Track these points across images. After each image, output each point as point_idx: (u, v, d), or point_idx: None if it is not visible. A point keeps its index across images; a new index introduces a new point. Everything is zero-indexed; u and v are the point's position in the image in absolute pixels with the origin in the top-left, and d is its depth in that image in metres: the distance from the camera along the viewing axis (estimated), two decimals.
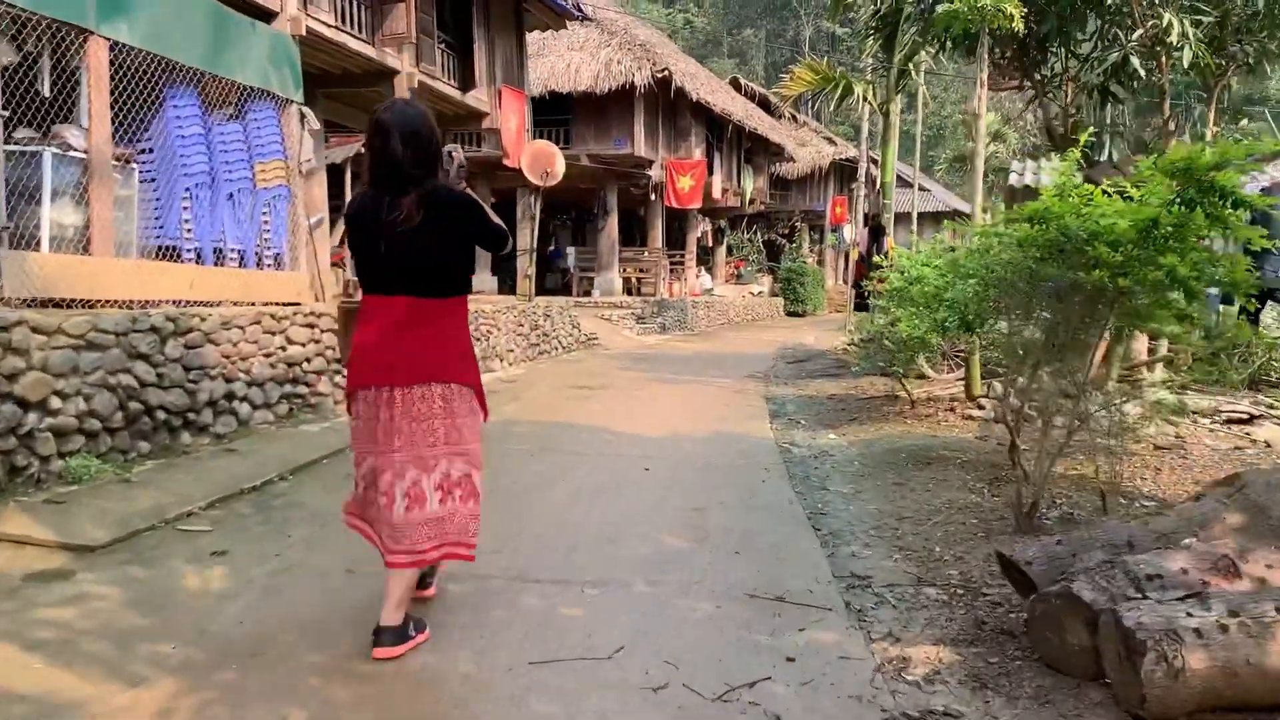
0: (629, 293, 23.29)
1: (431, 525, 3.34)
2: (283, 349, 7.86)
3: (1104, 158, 10.83)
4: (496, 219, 3.52)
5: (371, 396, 3.31)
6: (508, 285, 25.55)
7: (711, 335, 20.66)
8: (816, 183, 35.12)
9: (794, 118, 36.27)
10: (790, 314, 30.13)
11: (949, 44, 10.82)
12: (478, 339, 11.58)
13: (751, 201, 29.17)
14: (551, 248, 29.92)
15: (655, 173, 22.07)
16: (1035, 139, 63.08)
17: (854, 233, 39.07)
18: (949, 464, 6.66)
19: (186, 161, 7.86)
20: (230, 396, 7.19)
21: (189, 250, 7.86)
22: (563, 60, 20.78)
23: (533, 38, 20.67)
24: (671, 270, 24.45)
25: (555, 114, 21.02)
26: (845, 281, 42.04)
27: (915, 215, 25.31)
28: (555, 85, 20.38)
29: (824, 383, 11.62)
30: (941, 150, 65.83)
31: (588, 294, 22.49)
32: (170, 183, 7.76)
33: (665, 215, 23.85)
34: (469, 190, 3.52)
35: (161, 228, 7.72)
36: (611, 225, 22.20)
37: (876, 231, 13.17)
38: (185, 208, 7.86)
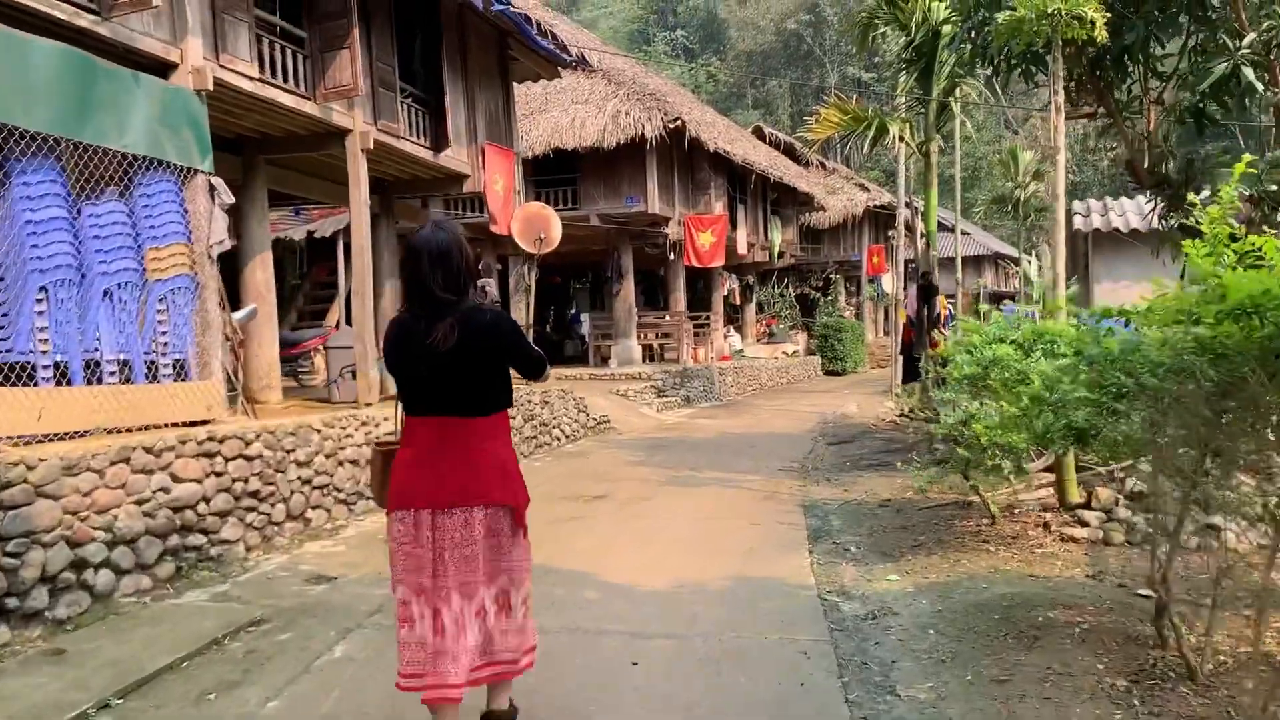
0: (650, 360, 21.44)
1: (476, 649, 3.34)
2: (164, 491, 6.02)
3: (1204, 196, 8.82)
4: (536, 349, 3.53)
5: (411, 519, 3.29)
6: None
7: (741, 406, 18.67)
8: (850, 231, 33.25)
9: (822, 165, 34.57)
10: (829, 373, 28.11)
11: (1007, 65, 8.95)
12: None
13: (781, 255, 27.32)
14: (572, 311, 28.23)
15: (673, 230, 20.31)
16: (1077, 176, 61.16)
17: (894, 284, 37.15)
18: (1065, 635, 4.63)
19: (40, 254, 6.12)
20: (80, 565, 5.35)
21: (46, 367, 6.10)
22: (567, 115, 19.20)
23: (534, 92, 19.13)
24: (696, 333, 22.55)
25: (561, 173, 19.40)
26: (886, 334, 40.00)
27: (959, 260, 23.25)
28: (560, 142, 18.77)
29: (874, 478, 9.60)
30: (978, 192, 63.91)
31: (605, 362, 20.66)
32: (19, 282, 6.02)
33: (687, 274, 22.04)
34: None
35: (4, 340, 5.97)
36: (627, 289, 20.42)
37: (927, 291, 11.24)
38: (40, 312, 6.12)
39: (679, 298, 22.55)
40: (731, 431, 14.11)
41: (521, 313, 12.89)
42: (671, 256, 21.10)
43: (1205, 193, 8.96)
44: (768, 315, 30.28)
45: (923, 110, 15.18)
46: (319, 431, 7.54)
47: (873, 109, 15.50)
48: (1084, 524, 6.59)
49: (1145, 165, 8.94)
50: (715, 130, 20.98)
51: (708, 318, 23.88)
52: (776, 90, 69.98)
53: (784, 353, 26.49)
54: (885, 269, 34.43)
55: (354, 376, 10.02)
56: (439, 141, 10.94)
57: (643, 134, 18.24)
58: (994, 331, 6.93)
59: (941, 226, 47.96)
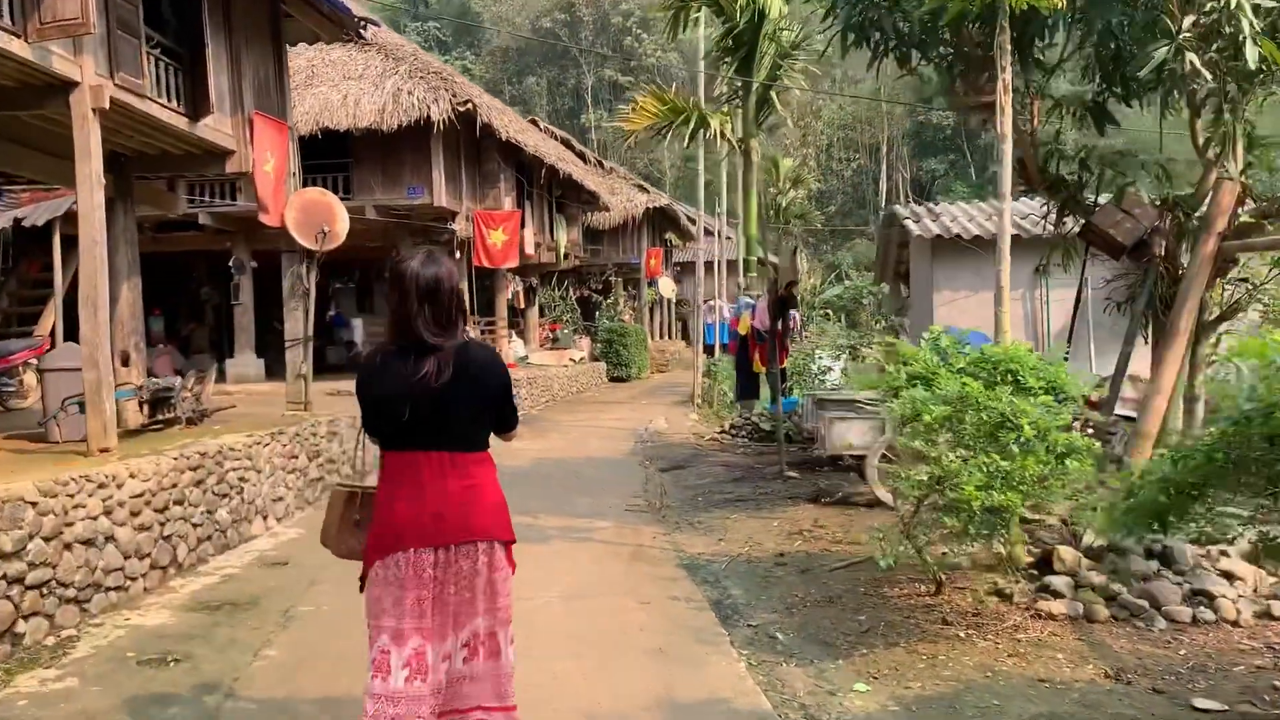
0: None
1: (464, 684, 3.22)
2: None
3: (1096, 199, 8.08)
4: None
5: (406, 559, 3.09)
6: (280, 370, 21.03)
7: (544, 423, 16.98)
8: (630, 233, 32.28)
9: (600, 163, 33.45)
10: (614, 379, 26.91)
11: (893, 44, 7.85)
12: (223, 494, 7.51)
13: (566, 256, 25.83)
14: (332, 313, 25.43)
15: (461, 226, 18.31)
16: (822, 183, 63.16)
17: (672, 287, 36.61)
18: None
19: None
20: None
21: None
22: (337, 91, 16.79)
23: (298, 65, 16.59)
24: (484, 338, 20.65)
25: (332, 157, 16.95)
26: (664, 337, 39.45)
27: (724, 264, 22.60)
28: (331, 121, 16.36)
29: (743, 519, 8.24)
30: (735, 197, 65.32)
31: None
32: None
33: (470, 276, 20.09)
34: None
35: None
36: None
37: (785, 303, 10.04)
38: None
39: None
40: (547, 458, 12.42)
41: (298, 322, 10.62)
42: (458, 255, 19.08)
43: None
44: (549, 319, 28.73)
45: (741, 104, 14.15)
46: (34, 505, 5.25)
47: (693, 100, 14.30)
48: (1054, 593, 5.47)
49: (1044, 167, 8.08)
50: (506, 117, 19.17)
51: (492, 323, 21.98)
52: (535, 88, 68.64)
53: (571, 359, 24.98)
54: (662, 272, 33.82)
55: (82, 410, 7.57)
56: (198, 106, 8.58)
57: (428, 116, 16.16)
58: (929, 359, 5.73)
59: (706, 232, 48.33)
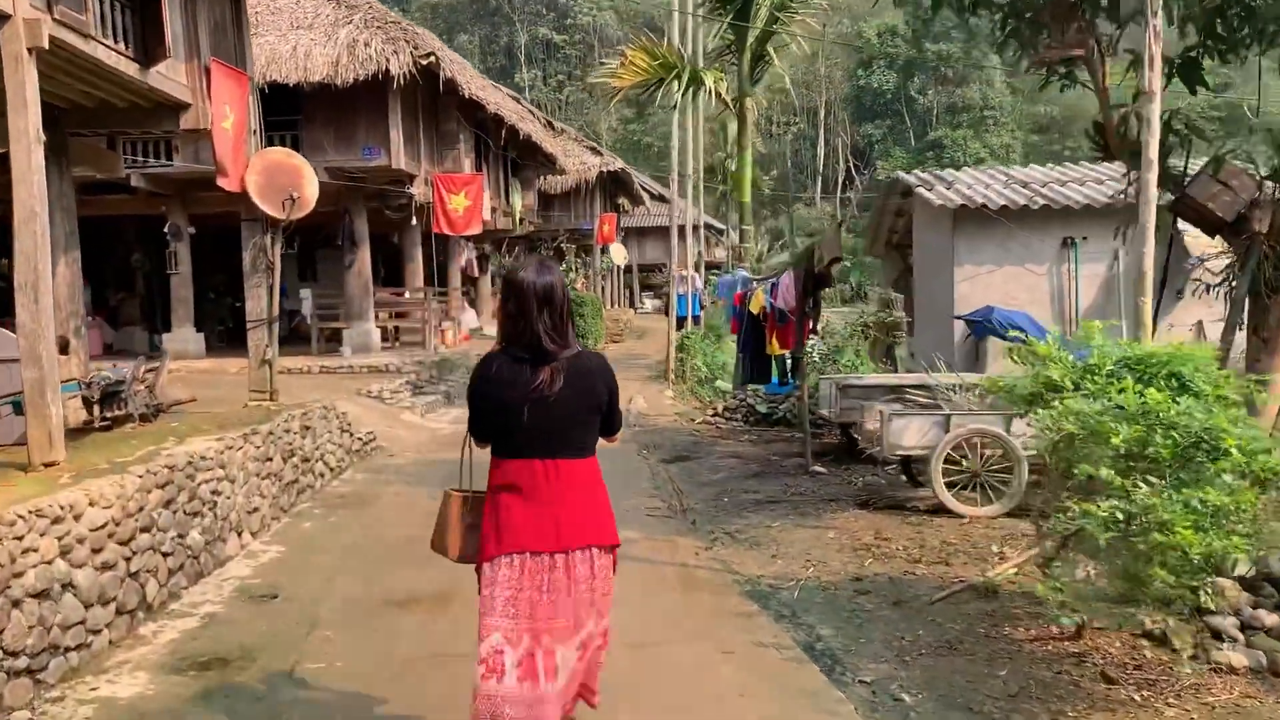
0: (388, 344, 18.06)
1: (574, 679, 3.29)
2: None
3: (1186, 168, 7.24)
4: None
5: (523, 562, 3.18)
6: (222, 345, 19.51)
7: None
8: (583, 198, 31.07)
9: (551, 124, 32.05)
10: None
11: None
12: (195, 512, 6.34)
13: (521, 221, 24.55)
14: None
15: (419, 190, 16.99)
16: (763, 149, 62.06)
17: (623, 254, 35.40)
18: None
19: None
20: None
21: None
22: (286, 42, 15.31)
23: None
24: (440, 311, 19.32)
25: (279, 114, 15.46)
26: (616, 304, 38.33)
27: (690, 228, 21.51)
28: (279, 74, 14.90)
29: (790, 528, 7.31)
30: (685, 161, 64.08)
31: (334, 350, 17.05)
32: None
33: (430, 244, 18.78)
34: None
35: None
36: (363, 260, 16.92)
37: (820, 281, 8.95)
38: None
39: (416, 269, 19.22)
40: None
41: (260, 300, 9.35)
42: (414, 221, 17.76)
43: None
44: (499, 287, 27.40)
45: (735, 61, 13.10)
46: None
47: (687, 56, 13.19)
48: (1218, 634, 4.65)
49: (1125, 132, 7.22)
50: (468, 73, 17.80)
51: (444, 293, 20.68)
52: (467, 46, 66.47)
53: None
54: (614, 238, 32.69)
55: (19, 411, 6.34)
56: (150, 50, 7.25)
57: (387, 70, 14.78)
58: (1065, 362, 4.83)
59: (660, 198, 47.21)
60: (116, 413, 7.56)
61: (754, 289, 11.19)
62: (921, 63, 64.63)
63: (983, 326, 9.33)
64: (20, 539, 4.40)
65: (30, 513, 4.53)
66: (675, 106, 13.80)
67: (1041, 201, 10.72)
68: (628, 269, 43.67)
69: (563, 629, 3.20)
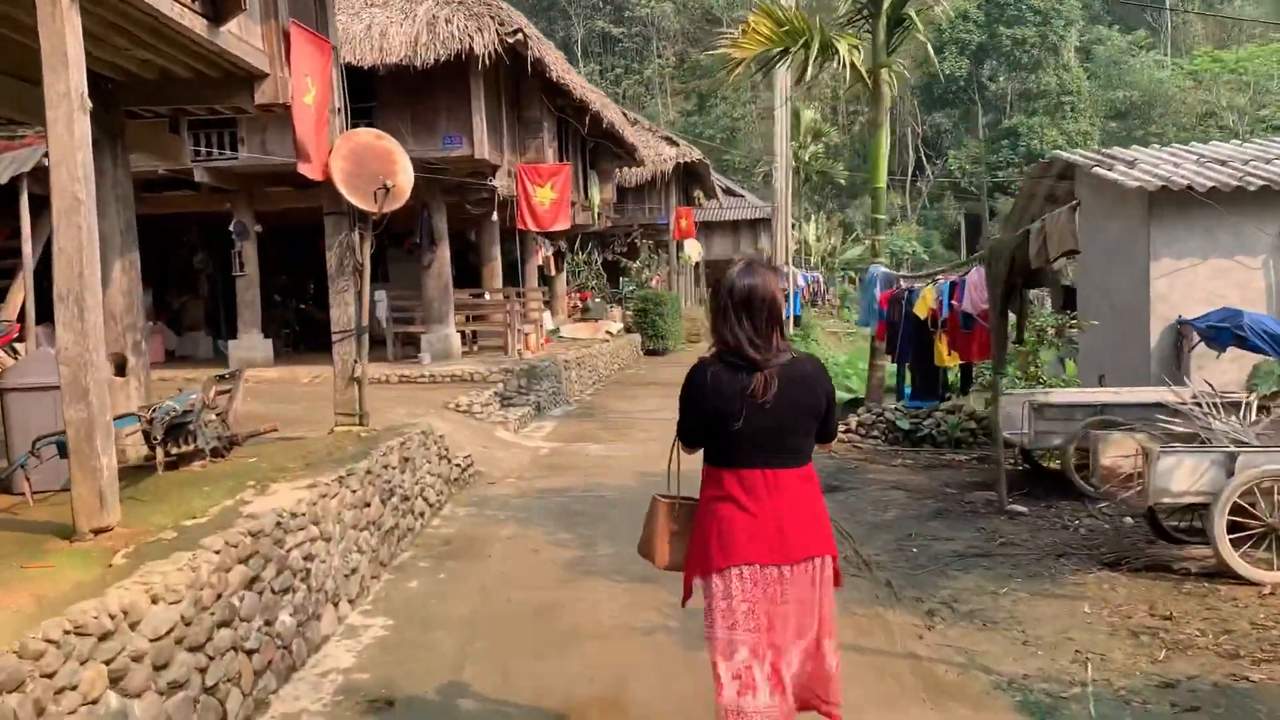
0: (465, 350, 16.74)
1: (802, 689, 3.23)
2: None
3: None
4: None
5: (749, 574, 3.11)
6: (290, 351, 18.34)
7: (606, 414, 14.41)
8: (657, 191, 29.55)
9: (624, 114, 30.59)
10: (650, 353, 24.32)
11: None
12: (286, 588, 4.93)
13: (599, 216, 23.13)
14: None
15: (503, 183, 15.62)
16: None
17: (699, 249, 33.82)
18: None
19: None
20: None
21: None
22: (360, 21, 14.01)
23: None
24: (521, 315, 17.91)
25: (351, 100, 14.10)
26: (688, 303, 36.80)
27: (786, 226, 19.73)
28: (350, 56, 13.54)
29: (1029, 597, 5.71)
30: (736, 154, 62.29)
31: (412, 356, 15.76)
32: None
33: (517, 241, 17.44)
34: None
35: None
36: (443, 259, 15.58)
37: (1034, 278, 7.26)
38: None
39: (495, 269, 17.92)
40: (649, 469, 9.87)
41: (347, 307, 7.96)
42: (494, 217, 16.41)
43: None
44: (575, 287, 26.08)
45: (869, 27, 11.50)
46: None
47: (817, 20, 11.61)
48: None
49: None
50: (553, 53, 16.37)
51: (521, 294, 19.28)
52: None
53: (607, 332, 22.36)
54: (693, 233, 31.16)
55: (62, 453, 4.99)
56: (221, 4, 5.89)
57: (470, 49, 13.41)
58: None
59: (729, 192, 45.60)
60: (183, 448, 6.22)
61: (913, 288, 9.62)
62: (994, 47, 62.26)
63: (1226, 334, 7.65)
64: (51, 675, 3.01)
65: (70, 632, 3.13)
66: (800, 80, 12.21)
67: (1259, 182, 8.99)
68: (694, 265, 42.16)
69: (791, 640, 3.16)
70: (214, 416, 6.45)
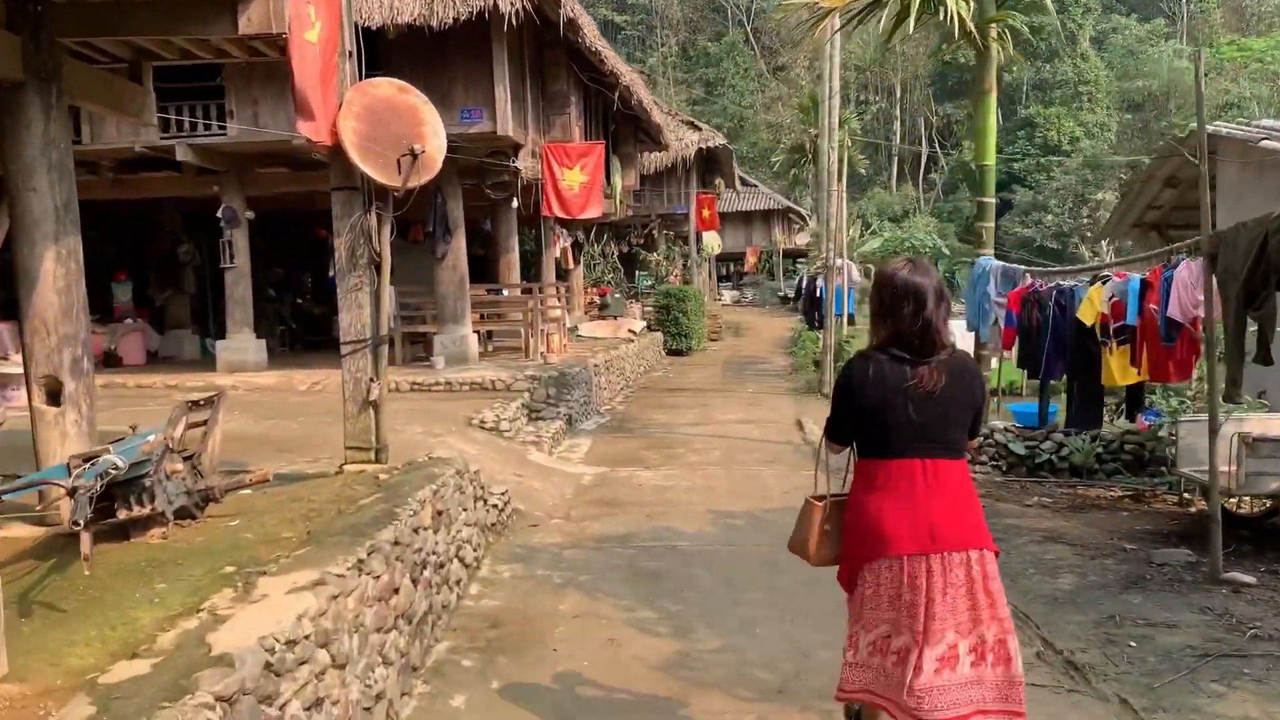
0: (481, 352, 14.95)
1: (963, 689, 3.11)
2: None
3: None
4: None
5: (898, 566, 3.13)
6: (285, 351, 16.51)
7: (648, 429, 12.59)
8: (676, 179, 27.72)
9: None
10: (672, 353, 22.52)
11: None
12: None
13: (621, 205, 21.30)
14: (333, 273, 20.90)
15: (526, 164, 13.79)
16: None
17: (717, 241, 31.97)
18: None
19: None
20: None
21: None
22: None
23: None
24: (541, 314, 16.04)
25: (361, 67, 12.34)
26: (716, 298, 34.96)
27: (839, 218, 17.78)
28: (357, 15, 11.69)
29: None
30: (742, 144, 60.37)
31: (422, 360, 13.98)
32: None
33: (539, 230, 15.62)
34: None
35: None
36: (459, 251, 13.75)
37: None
38: None
39: (512, 261, 16.10)
40: (721, 508, 8.09)
41: (361, 310, 6.15)
42: (515, 203, 14.59)
43: None
44: (591, 281, 24.27)
45: None
46: None
47: None
48: None
49: None
50: (585, 18, 14.52)
51: (536, 289, 17.41)
52: None
53: (630, 330, 20.52)
54: (716, 224, 29.35)
55: None
56: None
57: (495, 6, 11.58)
58: None
59: (743, 181, 43.72)
60: (136, 511, 4.40)
61: (1062, 287, 7.83)
62: (1011, 35, 60.31)
63: None
64: None
65: None
66: (889, 39, 10.41)
67: None
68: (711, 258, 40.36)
69: (938, 633, 3.07)
70: (180, 466, 4.63)
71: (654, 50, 72.42)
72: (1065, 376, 8.22)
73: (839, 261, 14.82)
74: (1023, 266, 9.15)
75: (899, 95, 67.15)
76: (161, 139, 12.73)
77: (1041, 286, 8.30)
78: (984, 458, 9.45)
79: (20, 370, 4.74)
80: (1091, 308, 7.35)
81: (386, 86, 6.10)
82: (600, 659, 5.00)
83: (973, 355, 9.85)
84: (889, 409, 3.15)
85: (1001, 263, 9.23)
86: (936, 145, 64.33)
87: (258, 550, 4.29)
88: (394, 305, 14.57)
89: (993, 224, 9.75)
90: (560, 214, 14.11)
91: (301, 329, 19.61)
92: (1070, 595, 5.83)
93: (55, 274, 4.86)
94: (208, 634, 3.16)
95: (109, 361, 15.17)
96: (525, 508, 7.97)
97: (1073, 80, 59.19)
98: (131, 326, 16.12)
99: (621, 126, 20.84)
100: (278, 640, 3.16)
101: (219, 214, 13.96)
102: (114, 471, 3.88)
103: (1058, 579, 6.12)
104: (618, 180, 20.70)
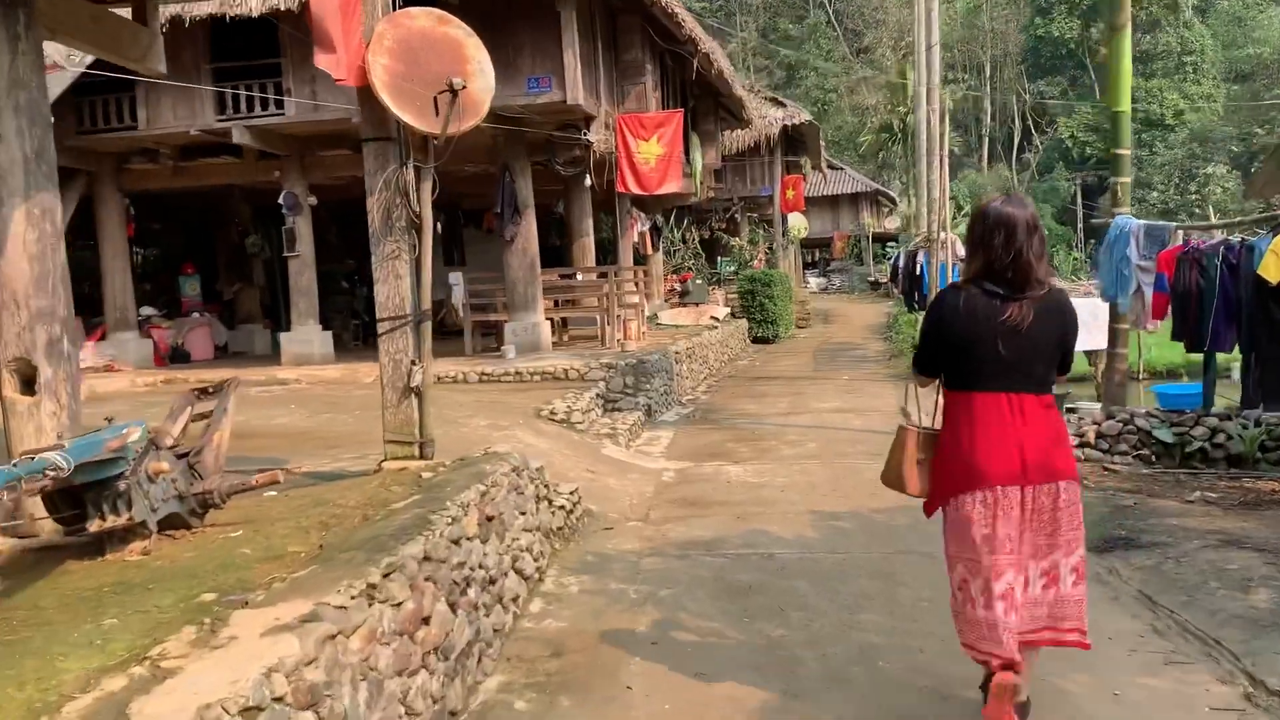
0: (555, 341, 14.11)
1: (1038, 608, 3.33)
2: None
3: None
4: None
5: (994, 496, 3.23)
6: (359, 345, 15.91)
7: (738, 422, 11.52)
8: (760, 159, 26.50)
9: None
10: (757, 340, 21.42)
11: None
12: None
13: (701, 185, 20.25)
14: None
15: (599, 137, 12.85)
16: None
17: (804, 224, 30.69)
18: None
19: None
20: None
21: None
22: None
23: None
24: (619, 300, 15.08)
25: None
26: (803, 285, 33.69)
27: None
28: None
29: None
30: (826, 127, 58.56)
31: (493, 349, 13.18)
32: None
33: (617, 210, 14.69)
34: None
35: None
36: (529, 233, 12.89)
37: None
38: None
39: (587, 245, 15.17)
40: (823, 508, 7.02)
41: (398, 282, 5.27)
42: (588, 181, 13.66)
43: None
44: (670, 267, 23.28)
45: None
46: None
47: None
48: None
49: None
50: None
51: (616, 274, 16.45)
52: None
53: (713, 317, 19.46)
54: (801, 205, 28.10)
55: None
56: None
57: None
58: None
59: (830, 165, 42.20)
60: (111, 521, 3.56)
61: (1231, 242, 6.58)
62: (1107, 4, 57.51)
63: None
64: None
65: None
66: None
67: None
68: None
69: (1028, 559, 3.24)
70: (167, 465, 3.78)
71: (733, 36, 71.06)
72: (1239, 347, 6.93)
73: (942, 235, 13.54)
74: (1172, 223, 7.83)
75: (989, 74, 64.62)
76: (218, 121, 12.17)
77: (1201, 244, 7.04)
78: (1124, 447, 8.19)
79: None
80: (1277, 261, 6.09)
81: (424, 17, 5.20)
82: (685, 700, 4.01)
83: (1109, 330, 8.60)
84: (978, 342, 3.21)
85: (1144, 221, 7.94)
86: (1030, 123, 61.64)
87: (252, 570, 3.42)
88: (464, 292, 13.85)
89: (1129, 179, 8.49)
90: (636, 190, 13.14)
91: (357, 328, 19.10)
92: (1273, 615, 4.65)
93: (26, 237, 4.06)
94: (134, 699, 2.27)
95: (176, 357, 14.75)
96: (598, 508, 7.03)
97: (1175, 51, 56.05)
98: (199, 321, 15.69)
99: (701, 101, 19.78)
100: (227, 711, 2.24)
101: (280, 200, 13.36)
102: (54, 473, 3.03)
103: (1251, 594, 4.93)
104: (698, 158, 19.65)
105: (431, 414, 5.43)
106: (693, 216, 25.83)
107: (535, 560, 5.43)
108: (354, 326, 18.04)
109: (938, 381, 3.44)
